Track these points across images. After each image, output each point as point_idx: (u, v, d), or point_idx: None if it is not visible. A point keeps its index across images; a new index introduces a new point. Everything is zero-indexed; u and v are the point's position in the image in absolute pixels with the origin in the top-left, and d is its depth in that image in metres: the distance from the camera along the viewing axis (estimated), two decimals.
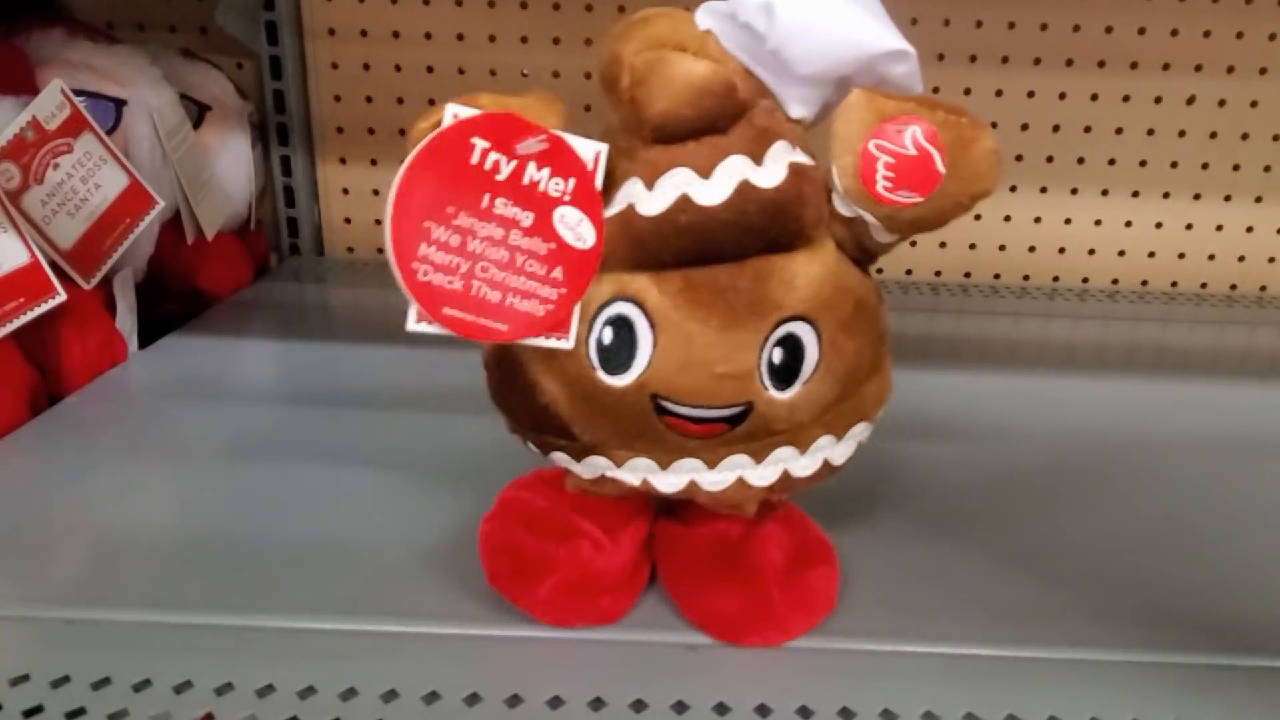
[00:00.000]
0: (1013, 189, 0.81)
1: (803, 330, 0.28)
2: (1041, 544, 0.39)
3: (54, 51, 0.57)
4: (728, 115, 0.27)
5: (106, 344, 0.54)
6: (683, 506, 0.33)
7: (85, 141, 0.53)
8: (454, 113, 0.26)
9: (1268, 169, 0.79)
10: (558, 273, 0.27)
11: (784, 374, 0.28)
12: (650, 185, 0.27)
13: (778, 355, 0.28)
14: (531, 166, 0.27)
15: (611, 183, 0.28)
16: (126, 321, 0.57)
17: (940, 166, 0.26)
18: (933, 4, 0.75)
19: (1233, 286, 0.82)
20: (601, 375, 0.28)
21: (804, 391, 0.28)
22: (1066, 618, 0.34)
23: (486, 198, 0.26)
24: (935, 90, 0.77)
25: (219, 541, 0.37)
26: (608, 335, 0.28)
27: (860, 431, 0.31)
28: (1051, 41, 0.76)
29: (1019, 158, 0.79)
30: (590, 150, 0.27)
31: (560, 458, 0.31)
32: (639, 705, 0.29)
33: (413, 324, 0.27)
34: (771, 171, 0.27)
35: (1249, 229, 0.81)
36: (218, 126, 0.69)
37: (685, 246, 0.27)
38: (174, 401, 0.51)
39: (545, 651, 0.32)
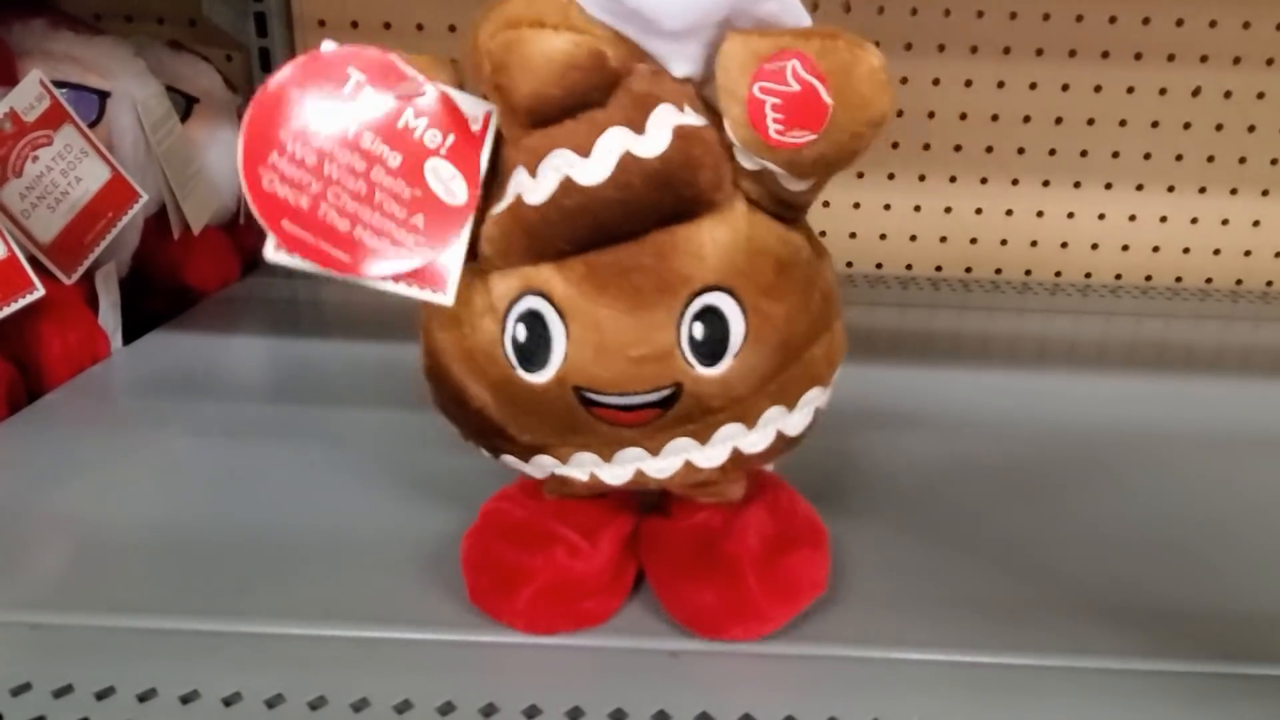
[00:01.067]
0: (1014, 182, 0.79)
1: (721, 300, 0.26)
2: (1043, 544, 0.38)
3: (36, 43, 0.56)
4: (601, 87, 0.26)
5: (88, 340, 0.54)
6: (667, 500, 0.32)
7: (66, 134, 0.52)
8: (333, 46, 0.26)
9: (1275, 162, 0.77)
10: (418, 220, 0.26)
11: (709, 349, 0.26)
12: (533, 172, 0.26)
13: (698, 330, 0.26)
14: (410, 113, 0.26)
15: (503, 173, 0.27)
16: (110, 317, 0.56)
17: (826, 97, 0.24)
18: None
19: (1238, 281, 0.81)
20: (522, 374, 0.27)
21: (735, 364, 0.27)
22: (1067, 622, 0.33)
23: (354, 127, 0.25)
24: (935, 82, 0.76)
25: (194, 544, 0.36)
26: (521, 332, 0.27)
27: (815, 397, 0.29)
28: (1054, 32, 0.75)
29: (1020, 150, 0.78)
30: (479, 109, 0.26)
31: (510, 460, 0.30)
32: (619, 714, 0.28)
33: (270, 253, 0.26)
34: (655, 139, 0.25)
35: (1255, 223, 0.79)
36: (206, 119, 0.68)
37: (577, 231, 0.26)
38: (156, 399, 0.50)
39: (523, 658, 0.31)
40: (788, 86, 0.24)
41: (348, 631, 0.31)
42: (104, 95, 0.57)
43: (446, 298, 0.26)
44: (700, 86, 0.27)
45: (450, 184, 0.26)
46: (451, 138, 0.26)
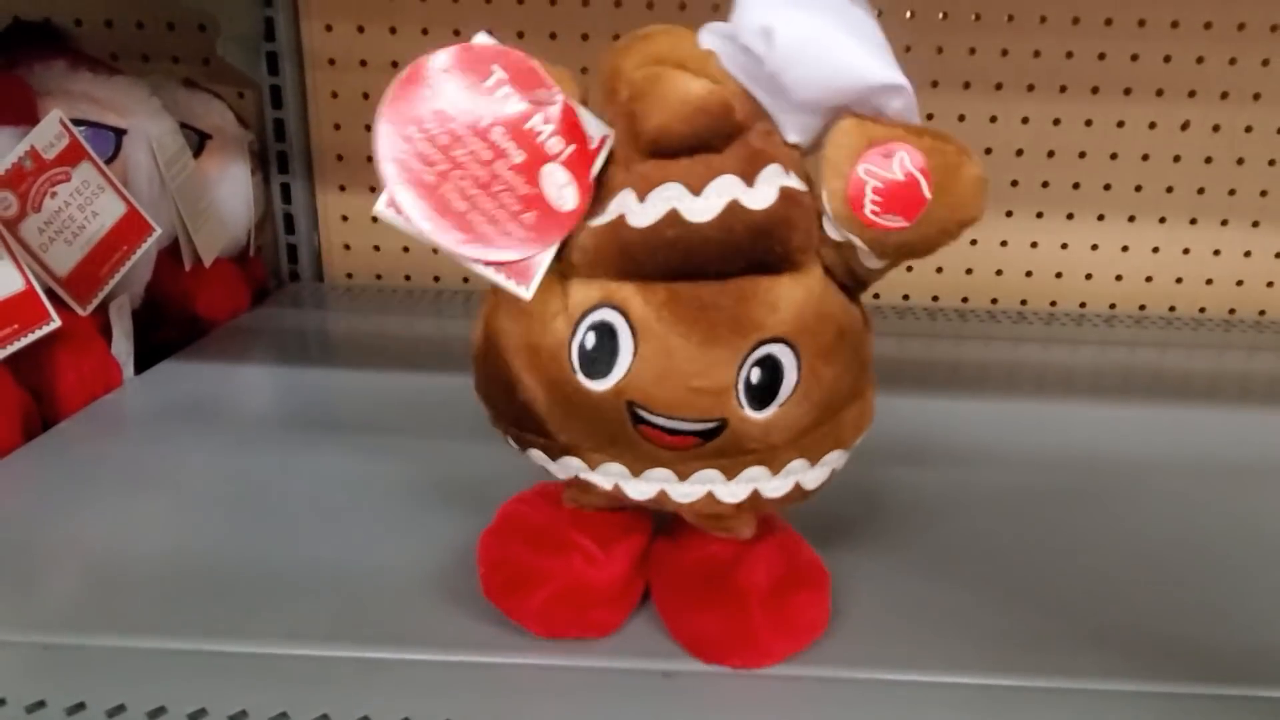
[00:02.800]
0: (1008, 214, 0.81)
1: (782, 352, 0.28)
2: (1038, 571, 0.39)
3: (56, 83, 0.58)
4: (722, 134, 0.28)
5: (101, 369, 0.55)
6: (679, 527, 0.34)
7: (83, 170, 0.54)
8: (485, 36, 0.27)
9: (1264, 194, 0.79)
10: (529, 217, 0.27)
11: (761, 394, 0.28)
12: (642, 197, 0.28)
13: (755, 375, 0.28)
14: (539, 118, 0.27)
15: (607, 191, 0.28)
16: (122, 347, 0.58)
17: (927, 192, 0.26)
18: (927, 31, 0.76)
19: (1231, 311, 0.82)
20: (582, 379, 0.28)
21: (779, 413, 0.28)
22: (1060, 646, 0.34)
23: (487, 119, 0.27)
24: (930, 117, 0.78)
25: (206, 567, 0.37)
26: (590, 340, 0.28)
27: (835, 459, 0.31)
28: (1045, 68, 0.76)
29: (1014, 183, 0.80)
30: (598, 130, 0.28)
31: (537, 455, 0.31)
32: None
33: (381, 206, 0.27)
34: (762, 193, 0.27)
35: (1246, 253, 0.81)
36: (218, 155, 0.70)
37: (671, 260, 0.27)
38: (168, 427, 0.52)
39: (522, 677, 0.31)
40: (892, 174, 0.26)
41: (351, 652, 0.32)
42: (120, 133, 0.59)
43: (527, 293, 0.28)
44: (803, 154, 0.29)
45: (563, 190, 0.27)
46: (572, 148, 0.27)
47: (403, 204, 0.26)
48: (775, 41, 0.26)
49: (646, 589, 0.35)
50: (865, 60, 0.26)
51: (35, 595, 0.36)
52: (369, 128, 0.88)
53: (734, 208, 0.27)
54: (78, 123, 0.55)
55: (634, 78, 0.28)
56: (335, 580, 0.37)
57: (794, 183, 0.28)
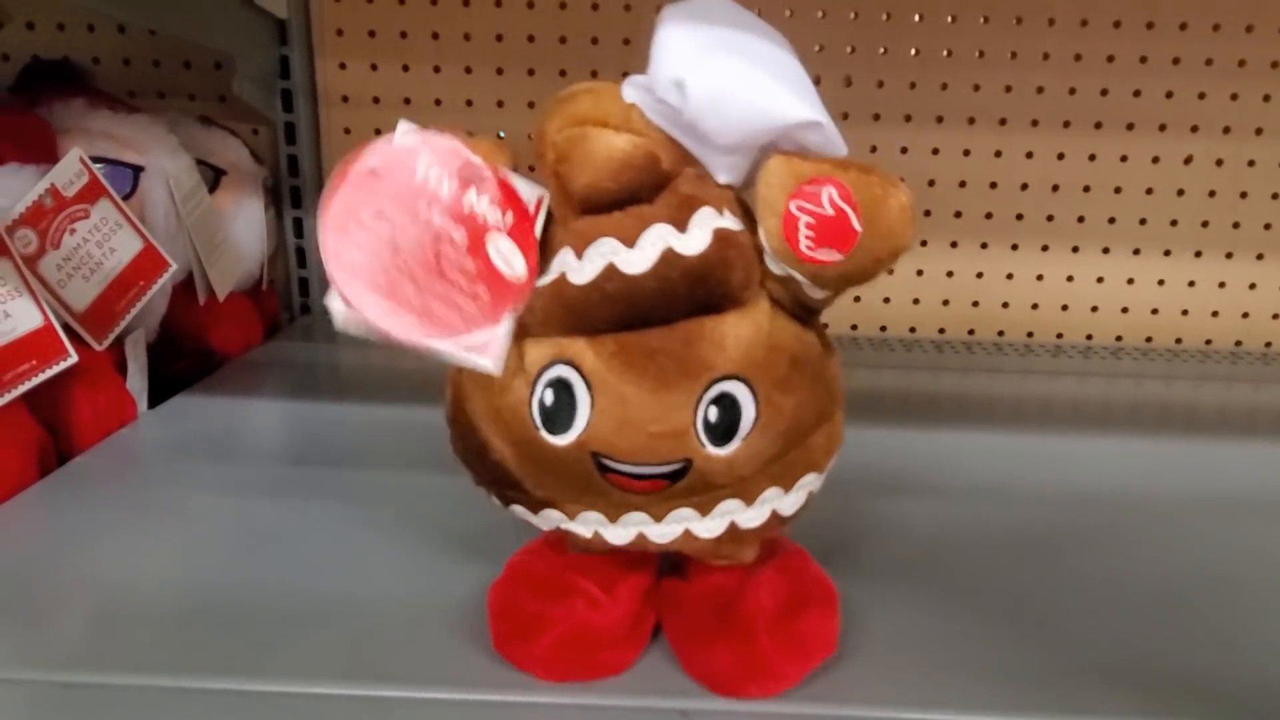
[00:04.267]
0: (1014, 247, 0.81)
1: (737, 389, 0.28)
2: (1046, 606, 0.39)
3: (75, 121, 0.59)
4: (650, 186, 0.28)
5: (117, 404, 0.55)
6: (684, 561, 0.34)
7: (102, 207, 0.55)
8: (406, 128, 0.27)
9: (1268, 227, 0.79)
10: (481, 290, 0.27)
11: (721, 431, 0.28)
12: (579, 254, 0.28)
13: (713, 414, 0.28)
14: (472, 194, 0.27)
15: (549, 250, 0.29)
16: (137, 382, 0.58)
17: (856, 224, 0.26)
18: (929, 68, 0.77)
19: (1237, 343, 0.82)
20: (545, 435, 0.29)
21: (743, 447, 0.29)
22: (1070, 683, 0.34)
23: (424, 207, 0.27)
24: (935, 151, 0.79)
25: (221, 604, 0.38)
26: (549, 397, 0.29)
27: (810, 482, 0.31)
28: (1048, 104, 0.77)
29: (1019, 217, 0.80)
30: (533, 193, 0.28)
31: (519, 510, 0.31)
32: None
33: (340, 321, 0.27)
34: (695, 238, 0.28)
35: (1252, 285, 0.81)
36: (233, 190, 0.71)
37: (614, 313, 0.28)
38: (182, 461, 0.52)
39: (536, 717, 0.31)
40: (822, 209, 0.26)
41: (365, 690, 0.32)
42: (138, 169, 0.60)
43: (494, 367, 0.28)
44: (739, 191, 0.29)
45: (510, 259, 0.28)
46: (510, 216, 0.28)
47: (359, 304, 0.27)
48: (688, 93, 0.26)
49: (659, 623, 0.35)
50: (778, 101, 0.26)
51: (53, 633, 0.36)
52: None
53: (668, 256, 0.28)
54: (96, 160, 0.56)
55: (557, 140, 0.28)
56: (349, 618, 0.37)
57: (729, 223, 0.28)
